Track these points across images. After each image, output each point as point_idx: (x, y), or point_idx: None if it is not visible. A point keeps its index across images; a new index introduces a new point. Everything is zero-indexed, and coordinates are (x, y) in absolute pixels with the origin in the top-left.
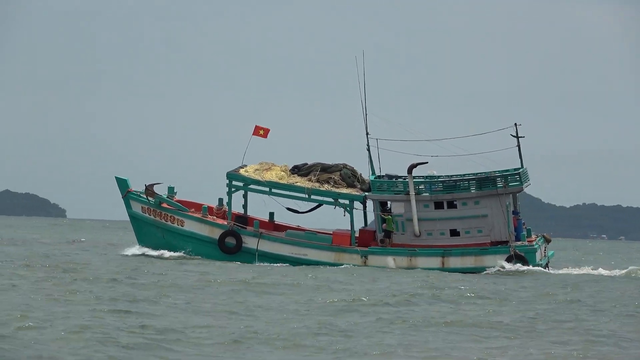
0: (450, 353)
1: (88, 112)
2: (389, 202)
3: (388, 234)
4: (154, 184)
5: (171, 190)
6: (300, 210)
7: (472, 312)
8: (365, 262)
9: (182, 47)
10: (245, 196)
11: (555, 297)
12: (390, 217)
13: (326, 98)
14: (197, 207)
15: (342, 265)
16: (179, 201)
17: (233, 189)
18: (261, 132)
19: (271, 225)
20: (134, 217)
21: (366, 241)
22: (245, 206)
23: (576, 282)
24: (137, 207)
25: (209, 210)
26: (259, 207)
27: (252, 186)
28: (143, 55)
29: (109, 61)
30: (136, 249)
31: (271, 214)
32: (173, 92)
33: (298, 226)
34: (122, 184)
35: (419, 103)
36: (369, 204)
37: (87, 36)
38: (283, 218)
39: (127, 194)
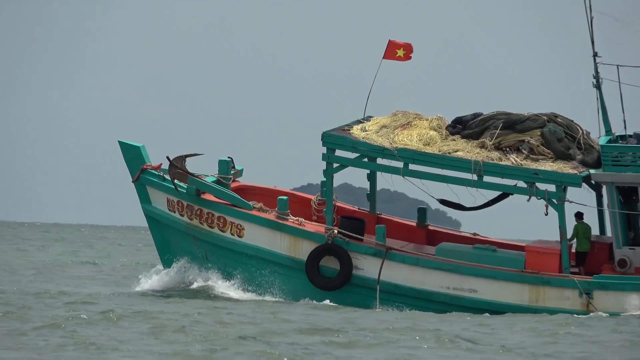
0: None
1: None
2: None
3: (581, 256)
4: (186, 156)
5: (224, 167)
6: (466, 206)
7: None
8: (587, 306)
9: None
10: (371, 178)
11: None
12: (580, 225)
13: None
14: (270, 198)
15: (542, 312)
16: (239, 188)
17: (335, 165)
18: (399, 52)
19: (423, 233)
20: (152, 218)
21: (596, 262)
22: (372, 195)
23: None
24: (159, 200)
25: (292, 202)
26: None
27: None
28: None
29: None
30: (158, 276)
31: (421, 212)
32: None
33: (475, 234)
34: (133, 153)
35: None
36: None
37: None
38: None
39: (140, 174)
